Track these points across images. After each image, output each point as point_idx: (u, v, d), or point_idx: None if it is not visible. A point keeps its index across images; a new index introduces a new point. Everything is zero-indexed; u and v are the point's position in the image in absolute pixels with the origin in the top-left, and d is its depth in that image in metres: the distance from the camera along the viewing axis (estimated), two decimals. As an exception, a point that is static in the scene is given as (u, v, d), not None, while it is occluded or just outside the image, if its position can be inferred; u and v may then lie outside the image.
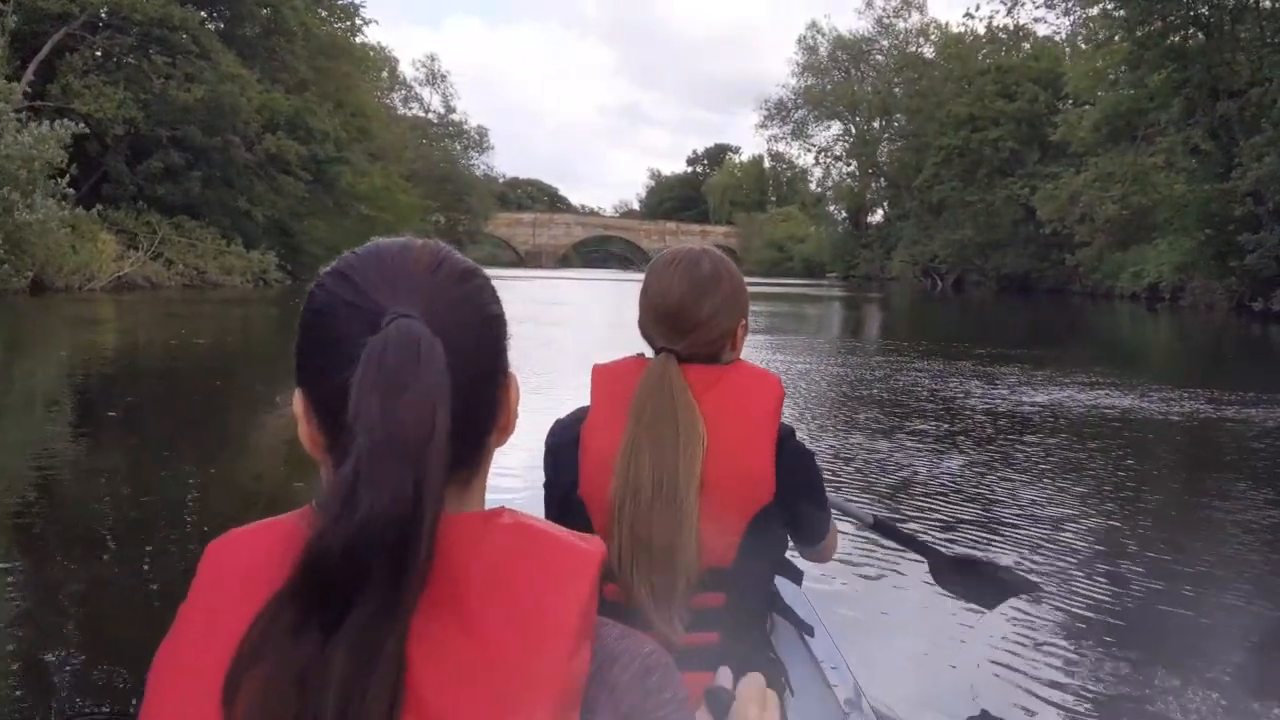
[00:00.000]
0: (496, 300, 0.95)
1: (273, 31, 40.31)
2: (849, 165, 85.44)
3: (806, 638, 2.34)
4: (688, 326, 1.95)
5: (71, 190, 26.97)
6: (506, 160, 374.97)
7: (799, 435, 2.05)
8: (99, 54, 33.17)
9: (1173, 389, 12.87)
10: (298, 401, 0.92)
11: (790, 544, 2.13)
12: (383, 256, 0.91)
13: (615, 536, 1.81)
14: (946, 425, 9.74)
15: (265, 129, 36.09)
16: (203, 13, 38.95)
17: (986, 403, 11.25)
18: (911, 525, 5.72)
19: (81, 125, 27.36)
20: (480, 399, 0.91)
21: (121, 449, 8.55)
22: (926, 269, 65.29)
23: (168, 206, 33.73)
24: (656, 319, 1.98)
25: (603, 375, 2.02)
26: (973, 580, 3.18)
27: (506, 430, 0.96)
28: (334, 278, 0.91)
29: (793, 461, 1.97)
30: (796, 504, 2.00)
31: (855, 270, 79.84)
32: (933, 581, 3.25)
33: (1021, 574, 3.89)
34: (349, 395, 0.80)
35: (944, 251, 61.78)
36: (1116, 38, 36.92)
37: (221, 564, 0.87)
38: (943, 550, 3.31)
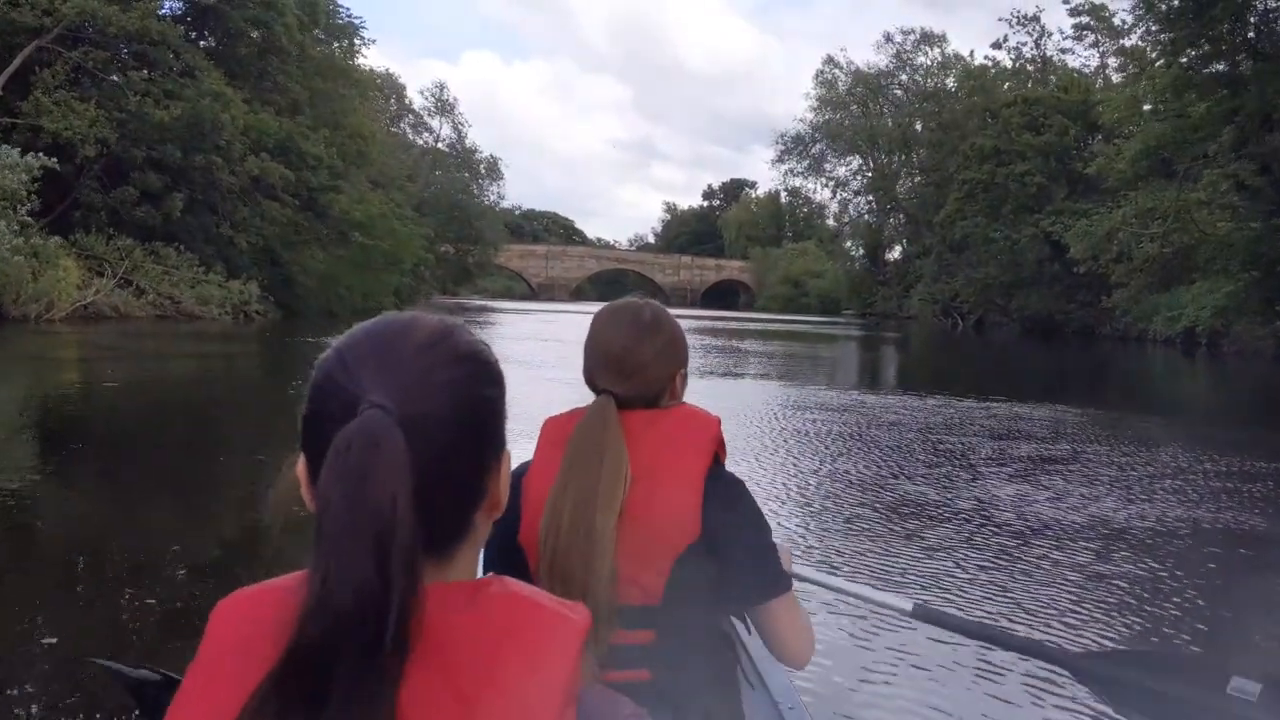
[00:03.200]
0: (493, 382, 0.99)
1: (266, 51, 38.50)
2: (867, 200, 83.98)
3: (765, 679, 2.38)
4: (629, 370, 1.99)
5: (29, 219, 25.29)
6: (520, 193, 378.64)
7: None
8: (72, 69, 31.20)
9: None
10: (300, 465, 0.96)
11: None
12: (380, 335, 0.95)
13: (540, 571, 1.83)
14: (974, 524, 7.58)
15: (252, 151, 34.03)
16: (193, 32, 37.55)
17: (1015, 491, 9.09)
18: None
19: (54, 160, 25.56)
20: (464, 481, 0.94)
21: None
22: (947, 308, 63.11)
23: (145, 231, 31.59)
24: (601, 364, 2.02)
25: (551, 424, 2.04)
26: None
27: (497, 507, 0.99)
28: (335, 352, 0.95)
29: (720, 497, 1.94)
30: (728, 546, 1.92)
31: (872, 308, 77.92)
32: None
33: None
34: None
35: (966, 290, 59.54)
36: (1160, 63, 34.65)
37: (224, 627, 0.92)
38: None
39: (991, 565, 6.18)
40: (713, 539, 1.89)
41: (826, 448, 10.90)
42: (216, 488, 8.43)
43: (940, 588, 5.67)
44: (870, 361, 31.38)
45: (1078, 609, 5.37)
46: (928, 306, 65.63)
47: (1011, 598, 5.53)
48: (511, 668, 0.85)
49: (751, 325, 49.59)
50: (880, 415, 14.18)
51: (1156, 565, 6.41)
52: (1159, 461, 10.75)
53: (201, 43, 37.93)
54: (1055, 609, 5.36)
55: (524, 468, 1.98)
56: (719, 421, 2.04)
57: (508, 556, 1.87)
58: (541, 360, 22.58)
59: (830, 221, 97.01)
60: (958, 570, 6.03)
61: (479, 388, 0.96)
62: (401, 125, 78.29)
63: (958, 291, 60.78)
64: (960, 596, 5.50)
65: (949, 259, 62.12)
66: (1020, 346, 44.35)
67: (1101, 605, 5.49)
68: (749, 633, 2.19)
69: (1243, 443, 13.12)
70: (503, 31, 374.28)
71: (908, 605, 2.70)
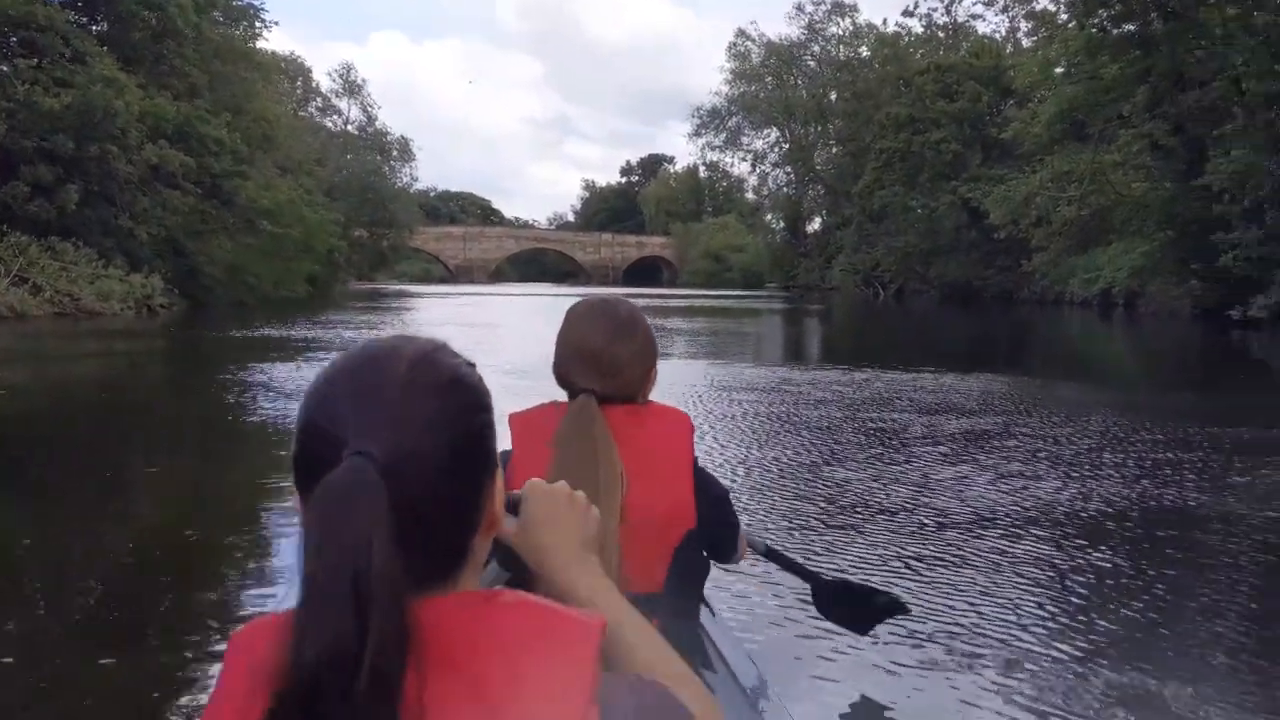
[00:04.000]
0: (480, 407, 0.99)
1: (162, 35, 36.96)
2: (786, 172, 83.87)
3: (729, 661, 2.41)
4: (610, 369, 2.05)
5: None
6: (436, 175, 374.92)
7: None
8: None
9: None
10: (297, 503, 0.94)
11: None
12: (359, 371, 0.95)
13: None
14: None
15: (149, 138, 32.64)
16: (84, 17, 35.96)
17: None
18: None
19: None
20: (459, 510, 0.95)
21: None
22: (868, 278, 63.23)
23: (40, 226, 30.10)
24: (579, 361, 2.06)
25: (522, 421, 2.09)
26: (846, 605, 3.30)
27: (494, 525, 1.01)
28: (319, 390, 0.95)
29: (707, 490, 2.14)
30: (714, 527, 2.18)
31: (795, 280, 77.93)
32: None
33: (895, 596, 3.70)
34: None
35: (886, 260, 59.69)
36: (1072, 24, 34.53)
37: (238, 657, 0.93)
38: (823, 575, 3.39)
39: (938, 560, 5.68)
40: (704, 523, 2.09)
41: (754, 433, 10.36)
42: (123, 495, 7.90)
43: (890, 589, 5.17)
44: (795, 336, 31.00)
45: (1040, 609, 4.88)
46: (849, 277, 65.75)
47: (967, 599, 5.03)
48: (535, 674, 0.87)
49: (675, 302, 49.07)
50: (808, 393, 13.71)
51: (1111, 554, 5.96)
52: (1094, 433, 10.37)
53: (94, 28, 36.30)
54: (1017, 609, 4.86)
55: (505, 458, 1.96)
56: (689, 417, 2.19)
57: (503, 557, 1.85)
58: (460, 347, 21.83)
59: (750, 195, 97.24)
60: (906, 571, 5.53)
61: (465, 416, 0.96)
62: (309, 109, 76.41)
63: (878, 261, 60.94)
64: (914, 601, 5.00)
65: (869, 229, 62.25)
66: (941, 314, 44.46)
67: (1063, 604, 5.01)
68: (712, 615, 2.47)
69: (1173, 409, 12.86)
70: (411, 10, 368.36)
71: (762, 546, 2.90)
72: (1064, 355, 24.33)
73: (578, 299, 2.29)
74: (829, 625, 3.78)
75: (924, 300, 55.51)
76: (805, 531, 6.32)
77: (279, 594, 5.11)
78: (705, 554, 2.23)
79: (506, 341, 23.63)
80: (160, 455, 9.81)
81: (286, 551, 5.80)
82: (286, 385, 13.61)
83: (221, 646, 4.74)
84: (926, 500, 7.17)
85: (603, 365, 2.05)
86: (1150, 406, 13.01)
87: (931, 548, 5.95)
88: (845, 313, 46.89)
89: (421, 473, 0.89)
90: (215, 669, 4.73)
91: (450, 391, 0.96)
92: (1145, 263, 35.11)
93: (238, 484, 8.31)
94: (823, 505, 7.09)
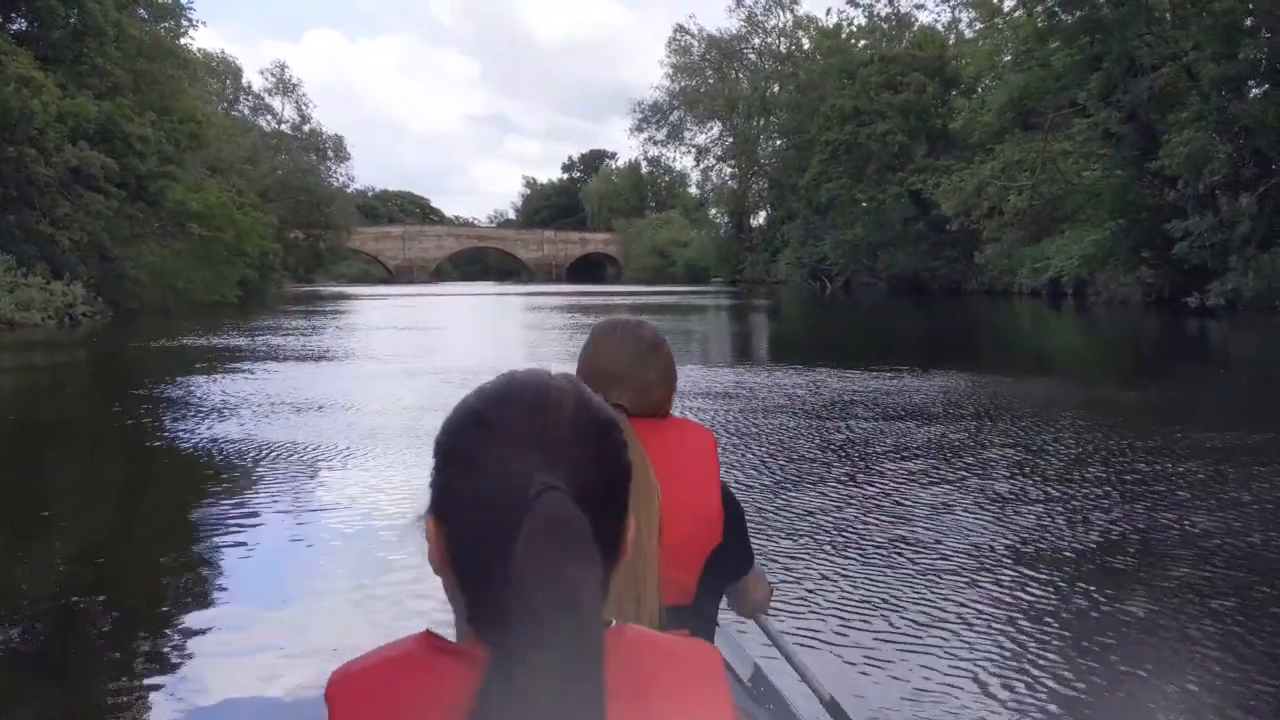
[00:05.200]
0: (625, 446, 1.00)
1: (83, 33, 35.50)
2: (730, 166, 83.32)
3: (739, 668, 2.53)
4: (638, 386, 2.08)
5: None
6: (374, 174, 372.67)
7: None
8: None
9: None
10: (432, 529, 0.96)
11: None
12: (526, 406, 0.95)
13: None
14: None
15: (69, 139, 31.25)
16: (-1, 16, 34.52)
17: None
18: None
19: None
20: (611, 546, 0.95)
21: None
22: (815, 271, 62.79)
23: (-46, 234, 28.79)
24: (606, 379, 2.05)
25: None
26: None
27: (623, 560, 1.00)
28: (476, 425, 0.95)
29: (730, 503, 2.17)
30: (733, 541, 2.15)
31: (741, 274, 77.46)
32: None
33: None
34: (486, 549, 0.89)
35: (835, 252, 59.26)
36: (1019, 11, 34.06)
37: (351, 705, 0.93)
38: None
39: (923, 612, 4.91)
40: (728, 537, 2.12)
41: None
42: (41, 520, 7.37)
43: (874, 660, 4.39)
44: (744, 333, 30.19)
45: (1063, 690, 4.11)
46: (796, 270, 65.29)
47: (966, 668, 4.26)
48: (697, 707, 0.92)
49: (620, 299, 48.28)
50: (762, 398, 12.95)
51: (1128, 601, 5.20)
52: (1071, 440, 9.71)
53: (12, 27, 34.82)
54: (1030, 689, 4.09)
55: None
56: (711, 431, 2.26)
57: None
58: (400, 352, 21.08)
59: (693, 190, 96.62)
60: (888, 630, 4.74)
61: (621, 454, 0.97)
62: (242, 108, 74.71)
63: (826, 254, 60.48)
64: (895, 675, 4.21)
65: (815, 222, 61.81)
66: (891, 306, 44.04)
67: (1081, 680, 4.25)
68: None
69: (1148, 407, 12.31)
70: (345, 8, 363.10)
71: (826, 695, 2.52)
72: (1025, 348, 23.79)
73: (598, 320, 2.30)
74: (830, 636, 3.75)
75: (872, 292, 55.12)
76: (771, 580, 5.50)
77: (209, 616, 5.12)
78: (722, 572, 2.21)
79: (456, 346, 22.90)
80: (79, 477, 9.27)
81: (237, 574, 5.77)
82: (207, 401, 12.95)
83: (159, 677, 4.38)
84: (903, 533, 6.38)
85: (631, 382, 2.07)
86: (1124, 405, 12.43)
87: (913, 594, 5.19)
88: (794, 307, 46.30)
89: (595, 505, 0.91)
90: (153, 697, 4.12)
91: (611, 430, 0.97)
92: (1096, 251, 34.72)
93: (161, 506, 8.03)
94: (784, 542, 6.27)
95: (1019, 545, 6.12)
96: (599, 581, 0.87)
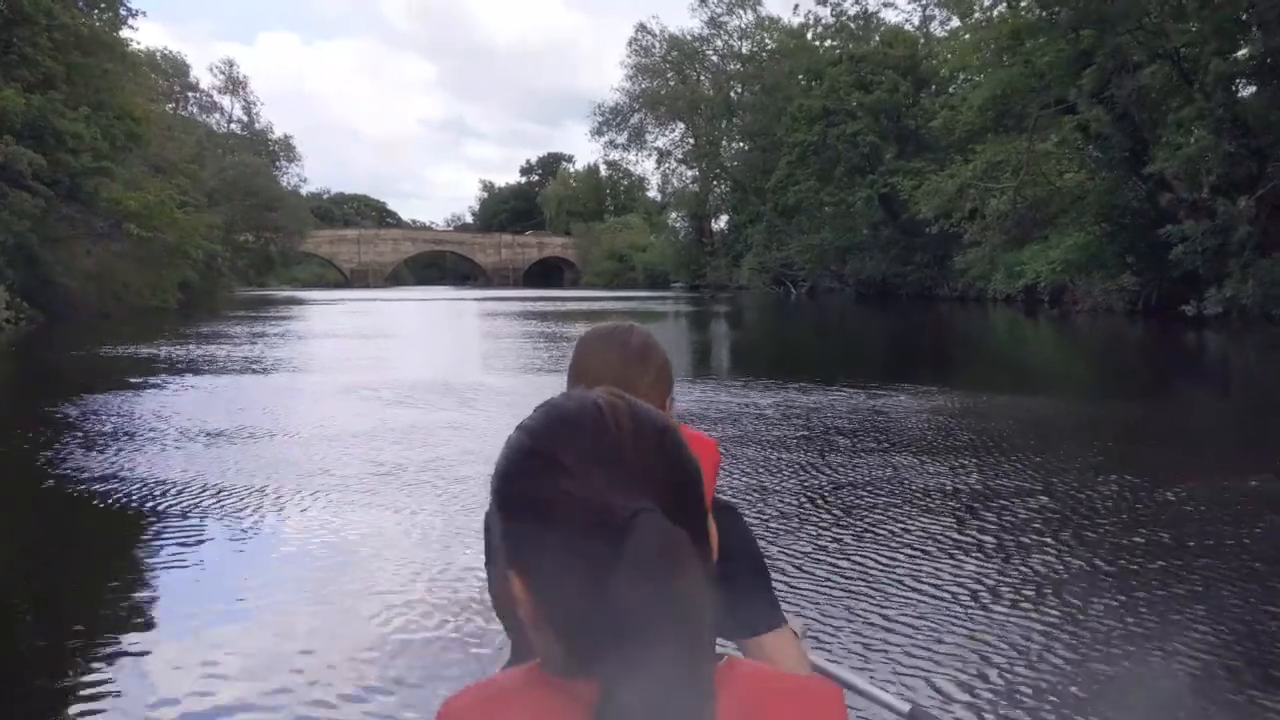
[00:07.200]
0: (701, 472, 0.96)
1: (11, 21, 33.59)
2: (691, 169, 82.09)
3: None
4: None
5: None
6: (330, 177, 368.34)
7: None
8: None
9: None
10: (519, 586, 0.91)
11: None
12: (582, 432, 0.91)
13: None
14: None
15: (-4, 134, 29.39)
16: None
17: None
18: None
19: None
20: (703, 553, 0.92)
21: None
22: (778, 276, 61.53)
23: None
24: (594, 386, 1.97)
25: None
26: None
27: (711, 565, 0.96)
28: (543, 464, 0.90)
29: (724, 525, 1.75)
30: (731, 575, 1.90)
31: (702, 279, 76.12)
32: None
33: None
34: (585, 588, 0.84)
35: (801, 256, 57.94)
36: (1001, 7, 32.87)
37: None
38: None
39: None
40: (724, 567, 1.75)
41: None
42: None
43: None
44: (707, 343, 28.45)
45: None
46: (759, 275, 64.01)
47: None
48: None
49: (578, 305, 46.81)
50: (731, 423, 11.39)
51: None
52: (1095, 480, 8.28)
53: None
54: None
55: None
56: (716, 444, 2.09)
57: None
58: (346, 360, 19.70)
59: (653, 193, 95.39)
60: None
61: (686, 452, 0.94)
62: (189, 107, 72.66)
63: (791, 258, 59.23)
64: None
65: (779, 225, 60.47)
66: (860, 313, 42.76)
67: None
68: None
69: (1172, 431, 11.06)
70: (299, 11, 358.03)
71: (905, 707, 2.43)
72: (1016, 362, 22.05)
73: (588, 329, 2.14)
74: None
75: (839, 298, 53.75)
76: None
77: (139, 639, 4.89)
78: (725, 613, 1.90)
79: (408, 356, 21.57)
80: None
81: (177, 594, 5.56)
82: (134, 418, 11.90)
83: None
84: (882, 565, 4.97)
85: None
86: (1146, 433, 11.10)
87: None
88: (759, 314, 44.88)
89: (679, 518, 0.88)
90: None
91: (669, 432, 0.93)
92: (1078, 256, 33.46)
93: (85, 529, 7.33)
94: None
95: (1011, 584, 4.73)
96: (708, 593, 0.85)
